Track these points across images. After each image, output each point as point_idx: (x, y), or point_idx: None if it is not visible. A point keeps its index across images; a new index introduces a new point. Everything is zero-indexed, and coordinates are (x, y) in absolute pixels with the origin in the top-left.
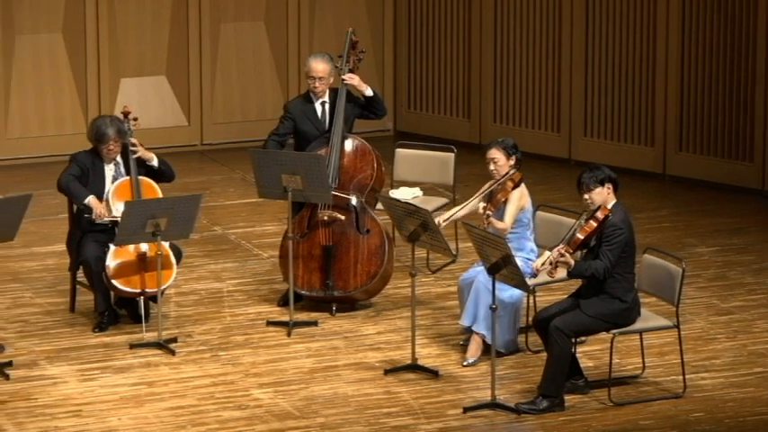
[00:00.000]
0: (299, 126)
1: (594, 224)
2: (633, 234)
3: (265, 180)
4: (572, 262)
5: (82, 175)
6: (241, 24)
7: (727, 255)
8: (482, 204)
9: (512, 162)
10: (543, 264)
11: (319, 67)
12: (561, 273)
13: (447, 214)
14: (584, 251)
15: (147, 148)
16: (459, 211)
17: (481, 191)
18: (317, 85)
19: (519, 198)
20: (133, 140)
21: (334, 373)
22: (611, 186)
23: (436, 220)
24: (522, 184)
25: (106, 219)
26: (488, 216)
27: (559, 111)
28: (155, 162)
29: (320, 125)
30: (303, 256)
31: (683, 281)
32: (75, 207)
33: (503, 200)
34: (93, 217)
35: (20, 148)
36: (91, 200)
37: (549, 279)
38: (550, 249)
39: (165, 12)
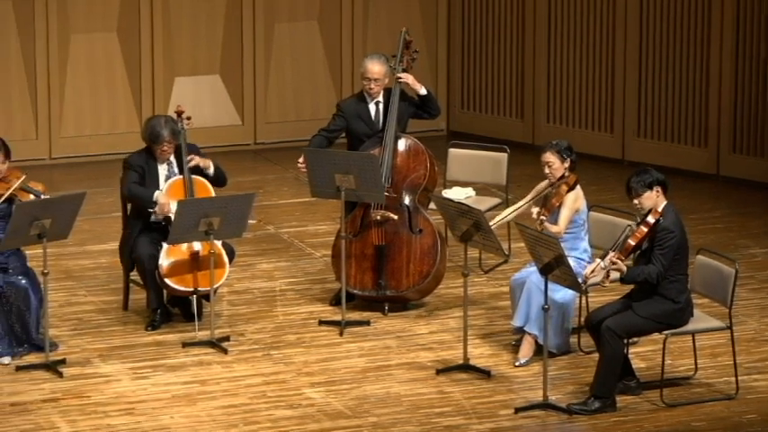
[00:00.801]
0: (352, 126)
1: (645, 229)
2: (685, 236)
3: (318, 179)
4: (624, 268)
5: (141, 178)
6: (295, 24)
7: None
8: (536, 209)
9: (566, 165)
10: (593, 271)
11: (375, 68)
12: (614, 275)
13: (498, 218)
14: (637, 254)
15: (201, 148)
16: (511, 215)
17: (533, 192)
18: (372, 86)
19: (574, 201)
20: (189, 158)
21: (386, 373)
22: (659, 189)
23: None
24: (578, 186)
25: (161, 216)
26: (542, 221)
27: (613, 111)
28: (211, 170)
29: (374, 125)
30: (356, 256)
31: (736, 282)
32: (128, 209)
33: (557, 204)
34: (159, 213)
35: (74, 146)
36: (158, 195)
37: (604, 267)
38: (602, 257)
39: (220, 11)
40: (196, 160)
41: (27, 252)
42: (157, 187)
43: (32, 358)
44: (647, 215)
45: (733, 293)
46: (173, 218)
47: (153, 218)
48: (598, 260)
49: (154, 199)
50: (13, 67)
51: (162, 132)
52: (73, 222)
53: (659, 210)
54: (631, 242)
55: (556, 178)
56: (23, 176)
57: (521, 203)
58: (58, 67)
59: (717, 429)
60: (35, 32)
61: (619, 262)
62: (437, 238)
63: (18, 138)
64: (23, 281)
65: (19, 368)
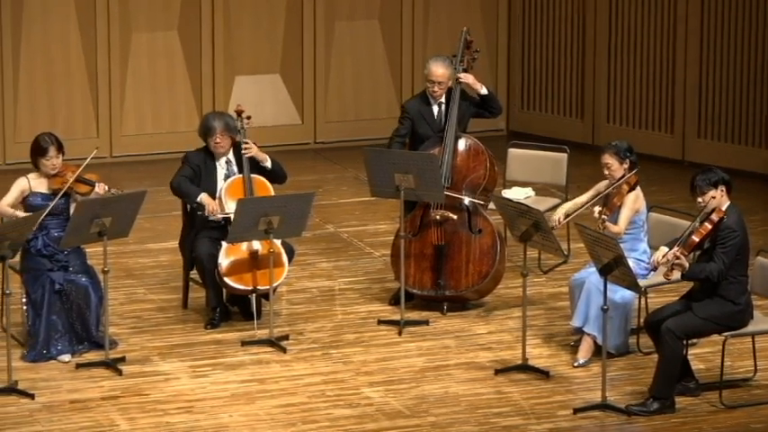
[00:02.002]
0: (416, 127)
1: (709, 226)
2: (747, 236)
3: (378, 179)
4: (686, 264)
5: (194, 175)
6: (355, 23)
7: None
8: (597, 209)
9: (625, 166)
10: (664, 256)
11: (439, 71)
12: (676, 275)
13: (562, 212)
14: (698, 253)
15: (261, 147)
16: (573, 210)
17: (593, 190)
18: (435, 89)
19: (634, 201)
20: (246, 140)
21: (444, 373)
22: (724, 189)
23: (555, 217)
24: (638, 187)
25: (219, 215)
26: (604, 221)
27: (673, 111)
28: (268, 164)
29: (436, 126)
30: (415, 255)
31: None
32: (189, 207)
33: (618, 204)
34: (206, 214)
35: (135, 145)
36: (203, 197)
37: (661, 281)
38: (668, 245)
39: (280, 10)
40: (253, 149)
41: (87, 250)
42: (215, 186)
43: (92, 356)
44: (710, 213)
45: None
46: (232, 217)
47: (210, 217)
48: (664, 248)
49: (198, 200)
50: (74, 65)
51: (213, 124)
52: (133, 221)
53: (723, 209)
54: (695, 238)
55: (615, 179)
56: (78, 170)
57: (582, 199)
58: (119, 65)
59: None
60: (96, 31)
61: (682, 257)
62: (496, 239)
63: (79, 136)
64: (84, 279)
65: (79, 366)
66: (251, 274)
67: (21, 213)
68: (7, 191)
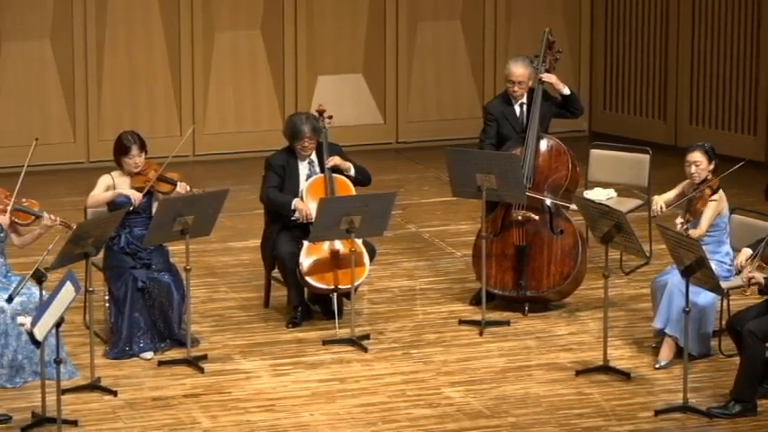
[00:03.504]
0: (499, 128)
1: None
2: None
3: (460, 179)
4: (762, 281)
5: (280, 180)
6: (438, 23)
7: None
8: (679, 219)
9: (711, 167)
10: (747, 260)
11: (519, 71)
12: (754, 290)
13: (662, 201)
14: None
15: (343, 147)
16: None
17: (678, 188)
18: (516, 89)
19: (716, 205)
20: (329, 159)
21: (525, 373)
22: None
23: (656, 207)
24: (720, 190)
25: (312, 218)
26: (687, 228)
27: (756, 113)
28: (351, 171)
29: (518, 126)
30: (496, 256)
31: None
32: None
33: (701, 209)
34: (301, 219)
35: (217, 143)
36: (296, 203)
37: (743, 282)
38: (751, 247)
39: (363, 10)
40: (335, 161)
41: (170, 248)
42: (297, 186)
43: (174, 354)
44: None
45: None
46: (314, 216)
47: (304, 220)
48: (747, 249)
49: (292, 207)
50: (157, 64)
51: (302, 128)
52: (216, 219)
53: None
54: None
55: (701, 178)
56: (161, 168)
57: (669, 195)
58: (202, 64)
59: None
60: (180, 30)
61: (756, 274)
62: (578, 239)
63: (161, 134)
64: (166, 277)
65: (161, 363)
66: (332, 274)
67: (120, 190)
68: (92, 188)
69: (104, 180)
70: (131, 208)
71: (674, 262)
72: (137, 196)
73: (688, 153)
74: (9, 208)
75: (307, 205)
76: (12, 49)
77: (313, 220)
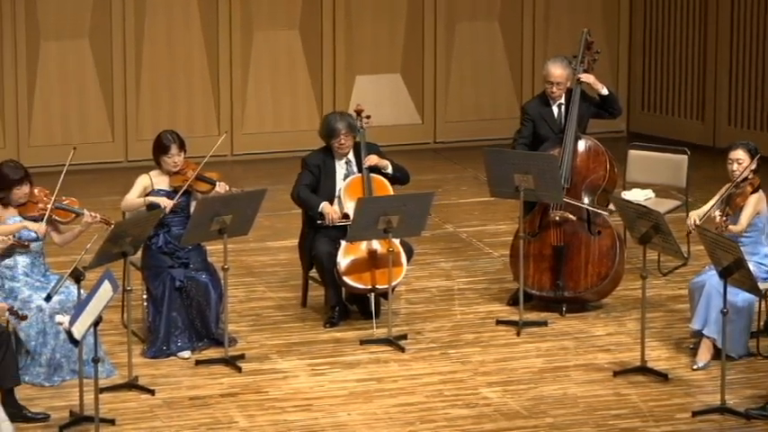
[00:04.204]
0: (536, 128)
1: None
2: None
3: (498, 179)
4: None
5: (314, 179)
6: (476, 24)
7: None
8: (718, 213)
9: (753, 166)
10: None
11: (557, 71)
12: None
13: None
14: None
15: (381, 147)
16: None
17: (719, 194)
18: (554, 89)
19: (757, 202)
20: (366, 159)
21: (563, 374)
22: None
23: (690, 221)
24: (760, 189)
25: (339, 222)
26: (726, 223)
27: None
28: (389, 169)
29: (556, 126)
30: (534, 256)
31: None
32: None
33: (741, 204)
34: (327, 222)
35: (255, 143)
36: (324, 206)
37: None
38: None
39: (401, 10)
40: (373, 160)
41: (208, 248)
42: (334, 185)
43: (212, 353)
44: None
45: None
46: (351, 216)
47: (329, 224)
48: None
49: (319, 209)
50: (196, 64)
51: (337, 126)
52: (253, 219)
53: None
54: None
55: (741, 177)
56: (199, 167)
57: (709, 204)
58: (240, 64)
59: None
60: (219, 30)
61: None
62: (616, 240)
63: (200, 134)
64: (204, 276)
65: (198, 362)
66: (370, 274)
67: (151, 198)
68: (130, 187)
69: (142, 180)
70: (163, 215)
71: (711, 263)
72: (167, 203)
73: (731, 150)
74: (49, 206)
75: (334, 209)
76: (50, 48)
77: (338, 224)
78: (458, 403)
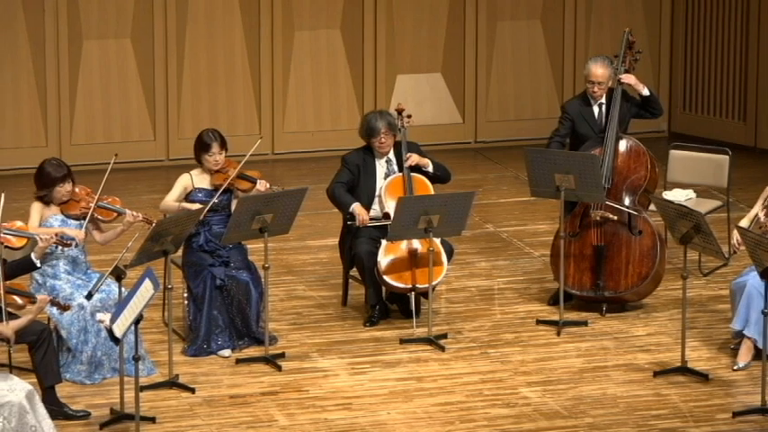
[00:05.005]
0: (577, 127)
1: None
2: None
3: (538, 179)
4: None
5: (352, 178)
6: (517, 23)
7: None
8: (762, 213)
9: None
10: None
11: (599, 71)
12: None
13: (747, 221)
14: None
15: (422, 146)
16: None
17: (762, 197)
18: (595, 89)
19: None
20: (407, 157)
21: (603, 374)
22: None
23: (734, 241)
24: None
25: (370, 223)
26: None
27: None
28: (430, 168)
29: (596, 126)
30: (574, 256)
31: None
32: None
33: None
34: (357, 223)
35: (296, 142)
36: (355, 207)
37: None
38: None
39: (443, 9)
40: (414, 159)
41: (248, 246)
42: (374, 184)
43: (252, 351)
44: None
45: None
46: (392, 215)
47: (360, 225)
48: None
49: (350, 210)
50: (237, 62)
51: (377, 124)
52: (294, 218)
53: None
54: None
55: None
56: (239, 166)
57: (753, 212)
58: (281, 63)
59: None
60: (260, 29)
61: None
62: (657, 240)
63: (241, 133)
64: (245, 275)
65: (239, 361)
66: (410, 273)
67: (187, 205)
68: (171, 186)
69: (182, 180)
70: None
71: (753, 263)
72: (193, 208)
73: None
74: (92, 205)
75: (365, 211)
76: (92, 47)
77: (378, 224)
78: (497, 403)
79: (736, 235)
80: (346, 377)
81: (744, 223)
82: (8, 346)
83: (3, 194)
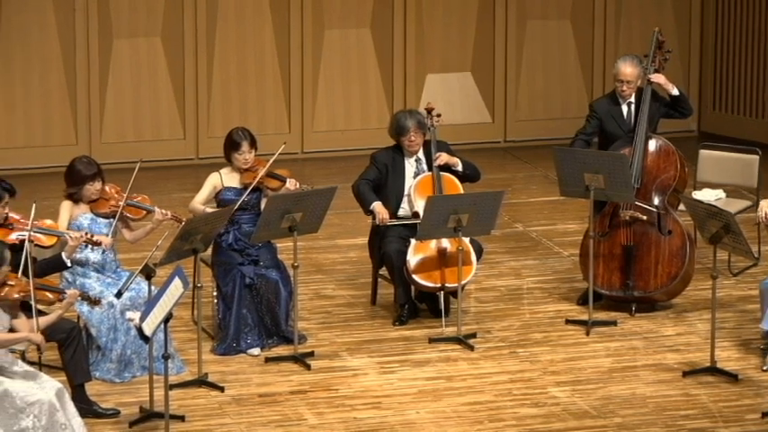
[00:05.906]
0: (605, 126)
1: None
2: None
3: (568, 178)
4: None
5: (380, 176)
6: (547, 22)
7: None
8: None
9: None
10: None
11: (628, 70)
12: None
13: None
14: None
15: (451, 145)
16: None
17: None
18: (624, 88)
19: None
20: (437, 156)
21: (632, 374)
22: None
23: (761, 213)
24: None
25: (388, 222)
26: None
27: None
28: (459, 167)
29: (625, 125)
30: (604, 256)
31: None
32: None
33: None
34: (377, 222)
35: (326, 141)
36: (375, 205)
37: None
38: None
39: (472, 8)
40: (443, 158)
41: (278, 245)
42: (403, 183)
43: (281, 350)
44: None
45: None
46: (421, 214)
47: (380, 224)
48: None
49: (370, 207)
50: (267, 61)
51: (406, 124)
52: (323, 216)
53: None
54: None
55: None
56: (267, 164)
57: None
58: (311, 62)
59: None
60: (290, 28)
61: None
62: (686, 240)
63: (270, 132)
64: (274, 273)
65: (268, 360)
66: (439, 272)
67: (207, 209)
68: (201, 185)
69: (212, 180)
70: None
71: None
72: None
73: None
74: (121, 203)
75: (385, 210)
76: (122, 46)
77: (408, 223)
78: (526, 402)
79: (762, 209)
80: (375, 376)
81: (766, 205)
82: (39, 353)
83: (34, 204)
